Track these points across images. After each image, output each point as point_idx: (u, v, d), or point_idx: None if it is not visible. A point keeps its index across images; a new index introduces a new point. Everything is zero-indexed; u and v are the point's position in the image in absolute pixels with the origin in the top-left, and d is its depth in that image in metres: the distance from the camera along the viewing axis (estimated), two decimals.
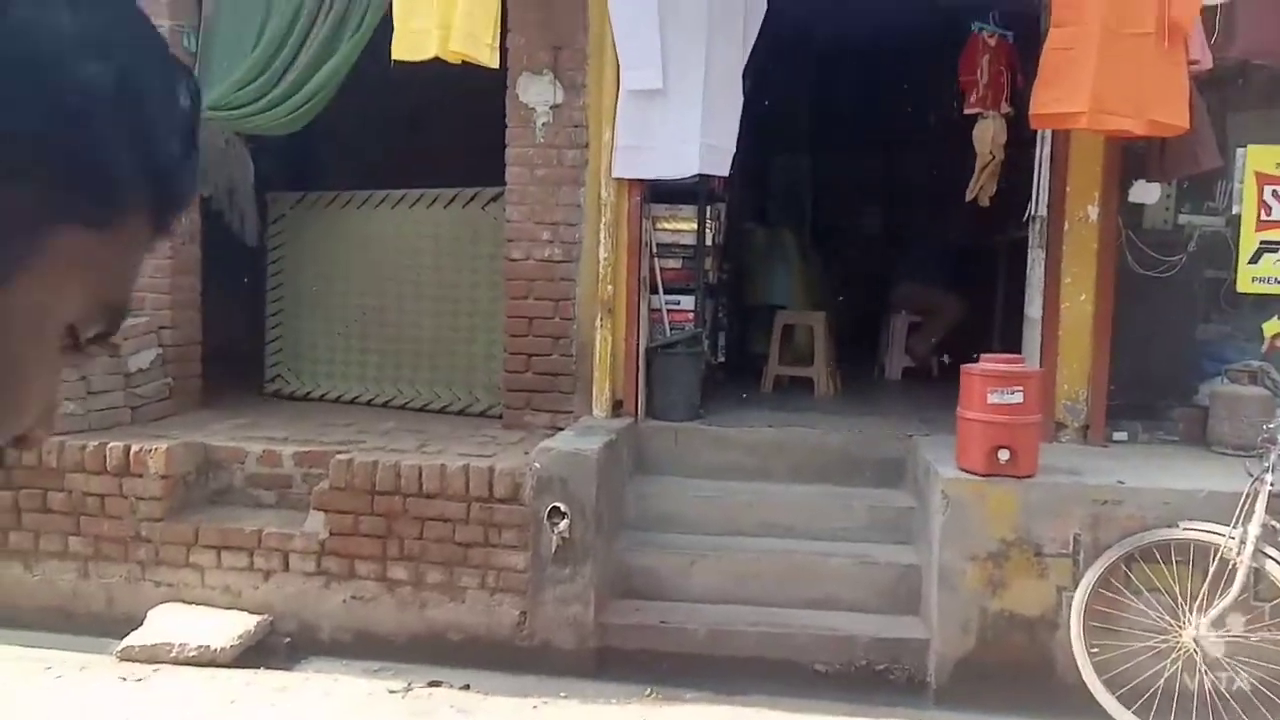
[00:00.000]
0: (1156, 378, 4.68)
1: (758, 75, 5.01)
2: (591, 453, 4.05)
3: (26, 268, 0.42)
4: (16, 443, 0.46)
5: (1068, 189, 4.60)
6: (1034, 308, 4.77)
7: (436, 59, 4.42)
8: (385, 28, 4.58)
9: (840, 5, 5.92)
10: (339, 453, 4.36)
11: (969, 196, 5.38)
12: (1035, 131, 4.52)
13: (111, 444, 4.40)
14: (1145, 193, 4.70)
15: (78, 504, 4.40)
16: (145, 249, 0.48)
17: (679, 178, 4.76)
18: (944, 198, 6.28)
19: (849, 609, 4.06)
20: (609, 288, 4.83)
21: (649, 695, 3.73)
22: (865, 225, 8.26)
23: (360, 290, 5.81)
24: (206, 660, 3.87)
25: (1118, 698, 3.56)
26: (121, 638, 3.96)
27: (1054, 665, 3.72)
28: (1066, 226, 4.61)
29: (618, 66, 4.72)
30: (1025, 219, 4.81)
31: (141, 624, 4.06)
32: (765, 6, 4.68)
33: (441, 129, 6.79)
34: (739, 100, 4.78)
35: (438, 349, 5.63)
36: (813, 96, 8.22)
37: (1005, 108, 5.31)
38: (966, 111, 5.40)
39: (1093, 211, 4.60)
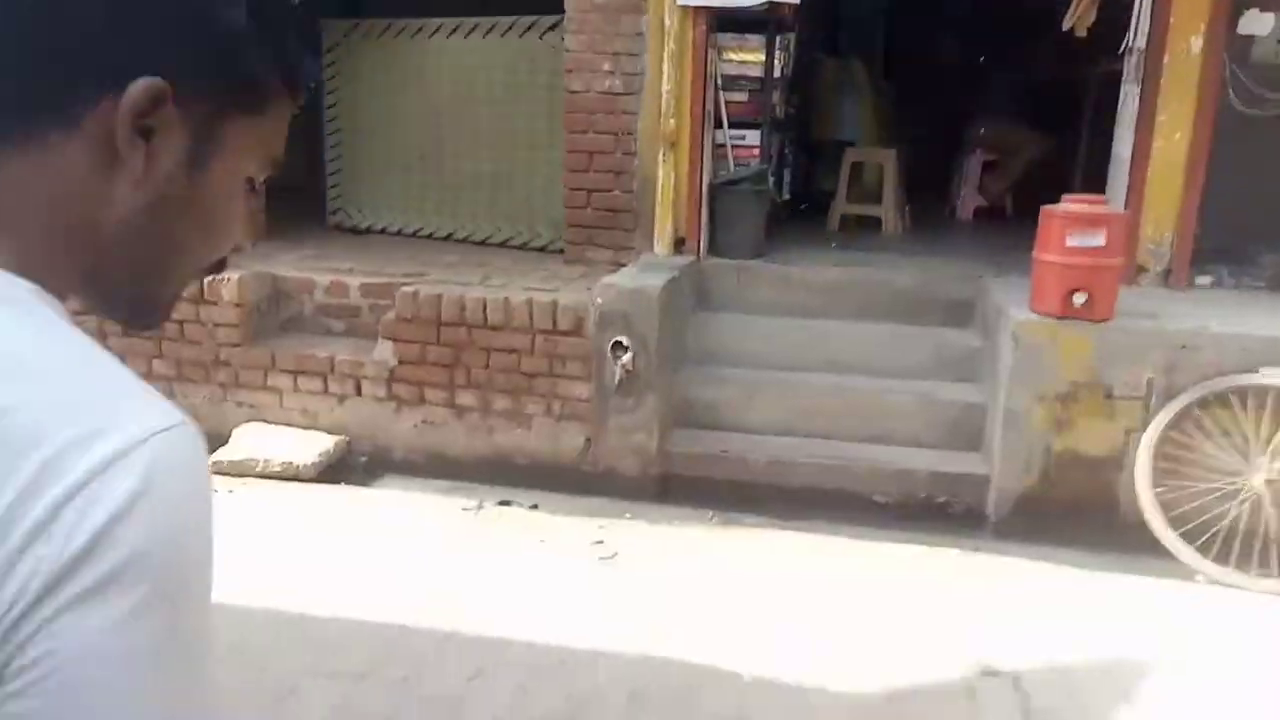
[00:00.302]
0: (1249, 222, 4.44)
1: None
2: (654, 289, 4.03)
3: (218, 149, 0.65)
4: (232, 251, 0.72)
5: (1171, 19, 4.27)
6: (1123, 146, 4.52)
7: None
8: None
9: None
10: (404, 284, 4.41)
11: (1066, 25, 5.02)
12: None
13: None
14: (1257, 23, 4.33)
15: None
16: (288, 116, 0.71)
17: (747, 5, 4.50)
18: (1030, 26, 5.88)
19: (909, 444, 4.09)
20: (672, 121, 4.68)
21: (711, 519, 3.86)
22: (943, 55, 7.77)
23: (419, 122, 5.71)
24: (290, 475, 4.08)
25: (1180, 535, 3.58)
26: (210, 454, 4.16)
27: (1116, 504, 3.74)
28: (1166, 59, 4.31)
29: None
30: (1120, 51, 4.49)
31: (228, 441, 4.27)
32: None
33: None
34: None
35: (498, 183, 5.57)
36: None
37: None
38: None
39: (1196, 43, 4.27)
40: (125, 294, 0.67)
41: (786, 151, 5.66)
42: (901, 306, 4.51)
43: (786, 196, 5.68)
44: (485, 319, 4.21)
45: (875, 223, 5.82)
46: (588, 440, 4.12)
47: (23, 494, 0.50)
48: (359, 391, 4.38)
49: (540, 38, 5.34)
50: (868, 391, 4.22)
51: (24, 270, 0.59)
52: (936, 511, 3.89)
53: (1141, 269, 4.45)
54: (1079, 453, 3.76)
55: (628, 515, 3.87)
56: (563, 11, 4.84)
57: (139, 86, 0.59)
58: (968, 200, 6.55)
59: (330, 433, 4.34)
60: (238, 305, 4.47)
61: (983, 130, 6.51)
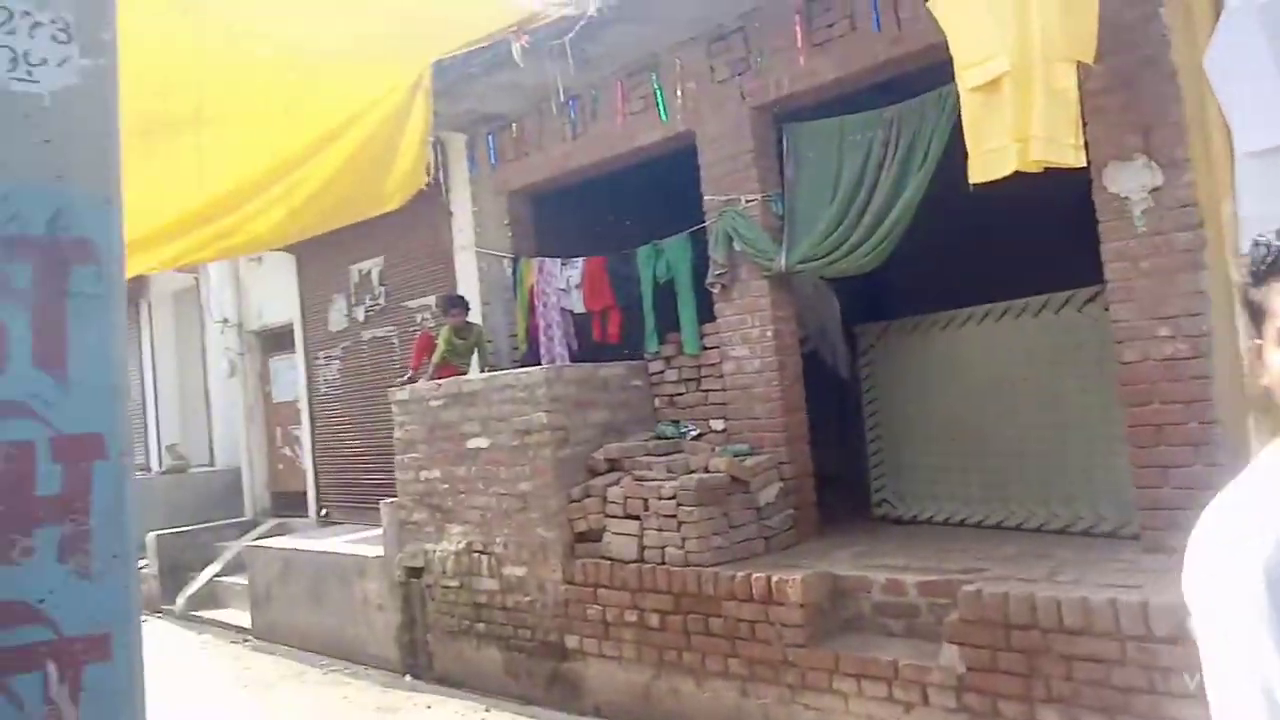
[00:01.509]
0: None
1: None
2: None
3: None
4: None
5: None
6: None
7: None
8: (948, 152, 4.66)
9: None
10: (964, 582, 4.27)
11: None
12: None
13: (755, 574, 4.87)
14: None
15: (732, 629, 4.93)
16: None
17: None
18: None
19: None
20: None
21: None
22: None
23: (956, 410, 5.77)
24: None
25: None
26: None
27: None
28: None
29: (1227, 130, 4.12)
30: None
31: None
32: None
33: (1012, 236, 6.60)
34: None
35: (1047, 464, 5.29)
36: None
37: None
38: None
39: None
40: None
41: None
42: None
43: None
44: (1061, 622, 3.85)
45: None
46: None
47: None
48: (925, 700, 4.21)
49: (1079, 310, 5.19)
50: None
51: None
52: None
53: None
54: None
55: None
56: (1101, 281, 4.67)
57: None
58: None
59: None
60: (802, 605, 4.68)
61: None
